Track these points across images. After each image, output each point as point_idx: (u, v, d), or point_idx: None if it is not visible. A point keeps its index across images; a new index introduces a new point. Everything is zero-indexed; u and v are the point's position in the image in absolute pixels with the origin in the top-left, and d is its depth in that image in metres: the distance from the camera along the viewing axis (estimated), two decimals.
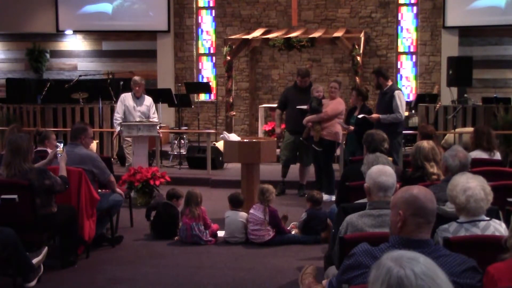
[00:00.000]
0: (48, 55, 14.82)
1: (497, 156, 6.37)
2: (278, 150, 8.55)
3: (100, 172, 5.96)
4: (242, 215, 6.34)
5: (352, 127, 8.19)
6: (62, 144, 5.62)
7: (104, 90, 11.43)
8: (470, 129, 9.15)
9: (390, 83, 8.09)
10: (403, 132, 8.33)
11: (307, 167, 8.81)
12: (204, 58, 14.44)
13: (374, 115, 7.94)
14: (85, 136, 6.04)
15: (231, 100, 12.74)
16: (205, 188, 9.08)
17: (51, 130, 8.46)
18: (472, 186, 3.32)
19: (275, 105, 9.58)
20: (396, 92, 7.89)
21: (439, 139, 9.35)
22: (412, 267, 1.75)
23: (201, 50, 14.43)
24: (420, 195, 2.65)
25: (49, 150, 6.27)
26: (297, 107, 8.42)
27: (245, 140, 8.00)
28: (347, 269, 2.72)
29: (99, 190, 6.14)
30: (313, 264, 4.79)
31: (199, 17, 14.37)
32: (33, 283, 4.88)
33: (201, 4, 14.37)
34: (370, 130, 5.79)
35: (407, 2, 13.51)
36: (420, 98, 11.71)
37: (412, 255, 1.81)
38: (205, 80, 14.09)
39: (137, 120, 8.73)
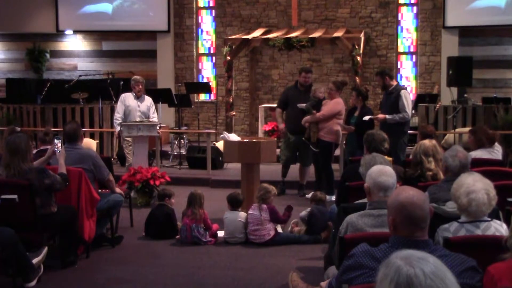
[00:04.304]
0: (48, 55, 14.81)
1: (499, 151, 6.39)
2: (278, 150, 8.55)
3: (99, 171, 5.96)
4: (241, 215, 6.35)
5: (353, 128, 8.19)
6: (59, 140, 5.61)
7: (104, 90, 11.42)
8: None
9: (395, 83, 8.12)
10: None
11: (307, 167, 8.81)
12: (204, 58, 14.44)
13: (380, 115, 7.94)
14: (81, 132, 6.12)
15: (231, 100, 12.74)
16: (205, 188, 9.07)
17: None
18: (477, 189, 3.31)
19: (275, 105, 9.57)
20: (402, 91, 7.90)
21: (439, 139, 9.35)
22: (422, 267, 1.75)
23: (201, 50, 14.43)
24: (407, 204, 2.59)
25: None
26: (298, 105, 8.43)
27: (245, 140, 8.00)
28: (346, 269, 2.72)
29: (99, 190, 6.14)
30: (295, 271, 4.93)
31: (199, 17, 14.37)
32: (33, 283, 4.89)
33: (201, 4, 14.37)
34: (370, 130, 5.80)
35: (407, 2, 13.50)
36: (420, 98, 11.71)
37: (421, 254, 1.81)
38: (205, 80, 14.09)
39: (137, 120, 8.73)
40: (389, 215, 2.66)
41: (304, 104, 8.33)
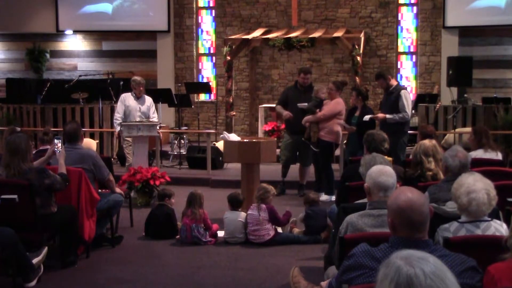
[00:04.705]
0: (48, 55, 14.81)
1: (499, 156, 6.39)
2: (278, 150, 8.55)
3: (99, 171, 5.96)
4: (241, 215, 6.35)
5: (354, 128, 8.19)
6: (59, 141, 5.62)
7: (104, 90, 11.42)
8: (470, 129, 9.15)
9: (395, 82, 8.15)
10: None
11: (307, 167, 8.81)
12: (204, 58, 14.44)
13: (380, 115, 7.96)
14: (81, 132, 6.13)
15: (231, 100, 12.74)
16: (205, 188, 9.07)
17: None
18: (477, 189, 3.31)
19: (275, 105, 9.56)
20: (402, 91, 7.92)
21: (439, 139, 9.35)
22: (422, 267, 1.75)
23: (201, 50, 14.43)
24: (406, 208, 2.57)
25: None
26: (298, 104, 8.42)
27: (245, 140, 8.00)
28: (346, 269, 2.72)
29: (99, 190, 6.14)
30: (297, 266, 4.89)
31: (199, 17, 14.36)
32: (33, 283, 4.89)
33: (201, 4, 14.37)
34: (371, 130, 5.80)
35: (407, 2, 13.50)
36: (420, 98, 11.71)
37: (421, 254, 1.81)
38: (205, 80, 14.09)
39: (137, 120, 8.74)
40: (389, 217, 2.66)
41: (305, 104, 8.33)
